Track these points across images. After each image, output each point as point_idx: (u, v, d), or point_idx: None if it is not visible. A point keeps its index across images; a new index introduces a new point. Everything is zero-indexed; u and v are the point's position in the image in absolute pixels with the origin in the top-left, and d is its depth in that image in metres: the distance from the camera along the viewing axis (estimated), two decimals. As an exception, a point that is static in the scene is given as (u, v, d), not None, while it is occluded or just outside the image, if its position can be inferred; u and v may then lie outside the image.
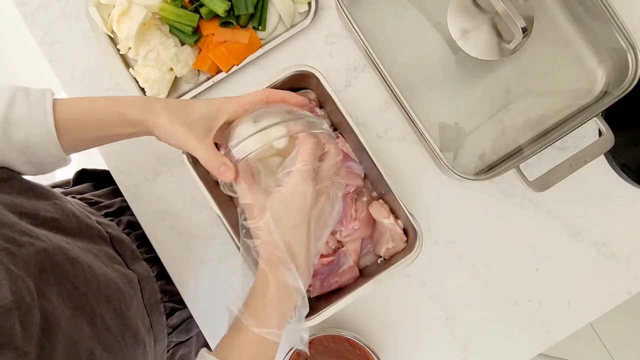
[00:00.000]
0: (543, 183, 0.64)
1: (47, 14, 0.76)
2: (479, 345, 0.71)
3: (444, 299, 0.71)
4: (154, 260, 0.72)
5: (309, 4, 0.72)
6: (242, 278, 0.51)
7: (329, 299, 0.64)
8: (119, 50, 0.72)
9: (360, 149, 0.63)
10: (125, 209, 0.74)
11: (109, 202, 0.73)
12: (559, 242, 0.71)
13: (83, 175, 0.80)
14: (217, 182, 0.68)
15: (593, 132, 0.71)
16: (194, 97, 0.72)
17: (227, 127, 0.53)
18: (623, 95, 0.64)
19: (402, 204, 0.61)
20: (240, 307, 0.47)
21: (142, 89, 0.71)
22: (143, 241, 0.72)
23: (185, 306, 0.73)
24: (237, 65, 0.71)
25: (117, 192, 0.76)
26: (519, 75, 0.70)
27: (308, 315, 0.61)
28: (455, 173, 0.63)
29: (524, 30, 0.61)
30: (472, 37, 0.67)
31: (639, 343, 1.56)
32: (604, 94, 0.69)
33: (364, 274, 0.68)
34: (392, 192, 0.61)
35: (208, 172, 0.68)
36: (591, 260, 0.71)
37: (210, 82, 0.72)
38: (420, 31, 0.71)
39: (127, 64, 0.73)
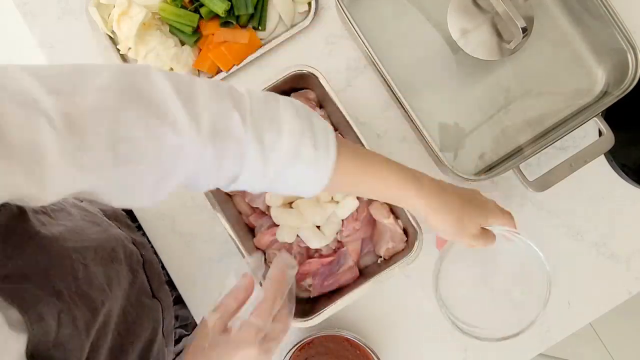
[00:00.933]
0: (543, 183, 0.64)
1: (47, 14, 0.76)
2: (479, 345, 0.71)
3: (441, 301, 0.71)
4: (171, 284, 0.70)
5: (309, 4, 0.72)
6: None
7: (329, 298, 0.64)
8: (119, 50, 0.72)
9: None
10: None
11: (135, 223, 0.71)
12: (559, 242, 0.71)
13: None
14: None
15: (593, 132, 0.71)
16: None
17: None
18: (623, 95, 0.64)
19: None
20: None
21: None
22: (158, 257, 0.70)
23: (190, 332, 0.71)
24: (237, 65, 0.71)
25: None
26: (519, 75, 0.70)
27: (308, 315, 0.61)
28: (455, 173, 0.63)
29: (524, 30, 0.61)
30: (472, 37, 0.67)
31: (639, 343, 1.56)
32: (604, 94, 0.69)
33: (364, 274, 0.68)
34: None
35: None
36: (591, 260, 0.71)
37: (210, 82, 0.71)
38: (420, 31, 0.71)
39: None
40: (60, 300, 0.37)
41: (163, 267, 0.71)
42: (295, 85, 0.67)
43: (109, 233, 0.52)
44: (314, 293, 0.67)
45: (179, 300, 0.70)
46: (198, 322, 0.72)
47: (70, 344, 0.36)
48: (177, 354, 0.69)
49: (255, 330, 0.45)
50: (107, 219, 0.56)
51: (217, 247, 0.73)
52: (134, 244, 0.57)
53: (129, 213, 0.73)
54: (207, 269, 0.73)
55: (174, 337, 0.67)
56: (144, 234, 0.72)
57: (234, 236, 0.62)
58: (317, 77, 0.62)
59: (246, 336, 0.45)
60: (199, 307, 0.72)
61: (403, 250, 0.65)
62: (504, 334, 0.67)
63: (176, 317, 0.69)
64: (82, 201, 0.55)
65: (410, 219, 0.61)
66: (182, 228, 0.73)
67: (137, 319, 0.50)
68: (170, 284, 0.72)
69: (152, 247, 0.70)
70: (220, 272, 0.73)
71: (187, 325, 0.71)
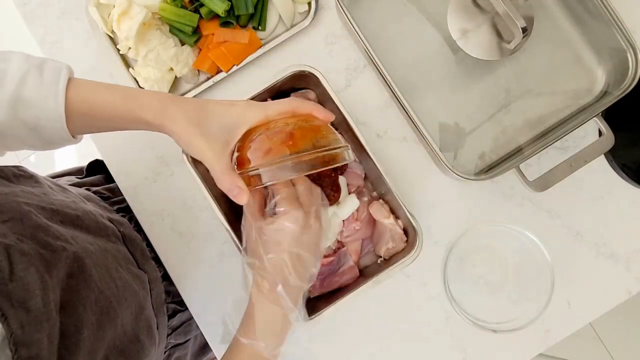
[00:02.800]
0: (543, 183, 0.64)
1: (47, 14, 0.76)
2: (479, 345, 0.71)
3: (444, 298, 0.71)
4: (158, 261, 0.72)
5: (309, 4, 0.72)
6: (239, 301, 0.52)
7: (329, 298, 0.64)
8: (119, 50, 0.72)
9: (360, 149, 0.63)
10: None
11: (119, 197, 0.73)
12: (559, 242, 0.71)
13: (96, 166, 0.79)
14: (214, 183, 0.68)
15: (593, 132, 0.71)
16: (194, 97, 0.72)
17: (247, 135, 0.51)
18: (623, 95, 0.64)
19: (402, 204, 0.61)
20: (233, 322, 0.50)
21: (142, 89, 0.71)
22: (149, 240, 0.72)
23: (186, 308, 0.73)
24: (237, 65, 0.71)
25: None
26: (519, 75, 0.70)
27: (308, 315, 0.61)
28: (455, 173, 0.63)
29: (524, 30, 0.61)
30: (472, 37, 0.67)
31: (639, 343, 1.56)
32: (604, 94, 0.69)
33: (364, 274, 0.68)
34: (392, 192, 0.61)
35: (208, 171, 0.68)
36: (591, 260, 0.71)
37: (210, 82, 0.72)
38: (420, 31, 0.71)
39: (127, 64, 0.73)
40: (6, 238, 0.38)
41: (160, 261, 0.72)
42: (295, 85, 0.67)
43: (77, 205, 0.53)
44: (314, 293, 0.67)
45: (166, 277, 0.71)
46: (198, 321, 0.72)
47: (27, 278, 0.37)
48: (174, 330, 0.70)
49: (291, 199, 0.49)
50: (81, 198, 0.57)
51: (217, 247, 0.73)
52: (110, 221, 0.58)
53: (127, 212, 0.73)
54: (207, 268, 0.73)
55: (167, 311, 0.68)
56: (134, 221, 0.73)
57: (234, 236, 0.62)
58: (317, 77, 0.62)
59: (286, 207, 0.48)
60: (199, 306, 0.72)
61: (403, 250, 0.65)
62: (516, 325, 0.68)
63: (168, 293, 0.70)
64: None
65: (410, 219, 0.61)
66: (182, 228, 0.73)
67: (124, 283, 0.51)
68: (167, 278, 0.72)
69: (142, 234, 0.71)
70: (221, 271, 0.73)
71: (181, 301, 0.72)
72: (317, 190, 0.53)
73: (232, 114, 0.49)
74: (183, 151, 0.62)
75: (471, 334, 0.71)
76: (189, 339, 0.77)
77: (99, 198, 0.67)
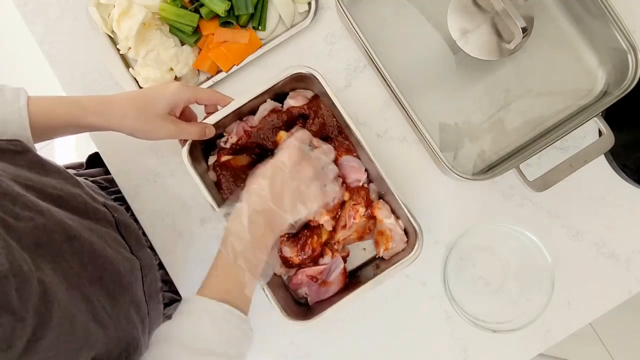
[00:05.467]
0: (543, 183, 0.64)
1: (47, 13, 0.76)
2: (479, 345, 0.71)
3: (444, 299, 0.71)
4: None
5: (309, 3, 0.72)
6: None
7: (329, 300, 0.64)
8: (119, 50, 0.72)
9: (360, 149, 0.63)
10: None
11: (117, 188, 0.74)
12: (559, 242, 0.71)
13: (95, 159, 0.80)
14: (215, 183, 0.68)
15: (593, 132, 0.71)
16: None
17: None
18: (623, 95, 0.64)
19: (402, 204, 0.61)
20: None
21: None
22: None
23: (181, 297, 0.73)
24: (237, 65, 0.71)
25: None
26: (519, 75, 0.70)
27: (307, 318, 0.61)
28: (455, 173, 0.63)
29: (524, 30, 0.61)
30: (472, 37, 0.67)
31: (639, 343, 1.56)
32: (604, 94, 0.69)
33: (362, 276, 0.68)
34: (393, 193, 0.61)
35: (207, 172, 0.68)
36: (591, 260, 0.71)
37: (210, 82, 0.72)
38: (420, 31, 0.71)
39: (127, 64, 0.73)
40: None
41: (147, 240, 0.73)
42: (295, 86, 0.67)
43: (62, 186, 0.55)
44: (311, 302, 0.66)
45: (164, 267, 0.73)
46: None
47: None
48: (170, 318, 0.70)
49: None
50: (74, 182, 0.59)
51: (217, 247, 0.72)
52: (104, 206, 0.61)
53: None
54: (207, 268, 0.73)
55: (163, 299, 0.69)
56: (128, 209, 0.74)
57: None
58: (316, 79, 0.62)
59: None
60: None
61: (403, 250, 0.65)
62: (516, 325, 0.68)
63: (165, 282, 0.71)
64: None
65: (411, 219, 0.61)
66: (182, 228, 0.73)
67: (110, 259, 0.54)
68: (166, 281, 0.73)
69: (139, 224, 0.73)
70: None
71: (177, 291, 0.73)
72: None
73: (167, 96, 0.57)
74: (183, 153, 0.62)
75: (471, 334, 0.71)
76: None
77: (95, 186, 0.68)
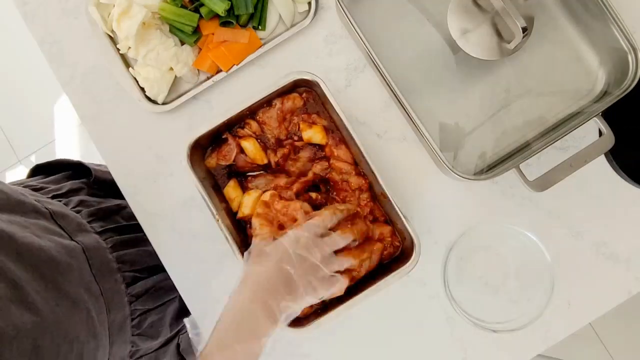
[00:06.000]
0: (543, 183, 0.64)
1: (47, 13, 0.76)
2: (479, 345, 0.71)
3: (444, 299, 0.71)
4: (122, 230, 0.74)
5: (309, 3, 0.72)
6: None
7: (327, 307, 0.64)
8: (119, 50, 0.72)
9: (358, 153, 0.63)
10: (77, 190, 0.75)
11: (57, 186, 0.74)
12: (559, 242, 0.71)
13: (38, 171, 0.82)
14: (214, 185, 0.68)
15: (593, 132, 0.71)
16: (194, 96, 0.72)
17: None
18: (623, 95, 0.64)
19: (399, 212, 0.61)
20: None
21: (142, 89, 0.71)
22: (103, 216, 0.73)
23: (149, 275, 0.74)
24: (237, 64, 0.71)
25: (69, 177, 0.78)
26: (519, 75, 0.70)
27: (305, 323, 0.61)
28: (455, 173, 0.63)
29: (524, 30, 0.61)
30: (472, 37, 0.67)
31: (639, 343, 1.56)
32: (604, 94, 0.68)
33: (363, 281, 0.67)
34: (393, 203, 0.61)
35: (207, 172, 0.68)
36: (591, 260, 0.71)
37: (210, 82, 0.72)
38: (420, 31, 0.71)
39: (127, 64, 0.73)
40: None
41: (124, 231, 0.75)
42: (295, 85, 0.67)
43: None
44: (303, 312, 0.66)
45: (126, 246, 0.73)
46: (200, 322, 0.72)
47: None
48: (138, 297, 0.72)
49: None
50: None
51: (217, 247, 0.73)
52: (36, 201, 0.62)
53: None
54: (207, 268, 0.73)
55: (124, 279, 0.70)
56: (86, 197, 0.75)
57: (228, 237, 0.62)
58: (317, 83, 0.63)
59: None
60: (199, 306, 0.72)
61: (402, 257, 0.64)
62: (516, 325, 0.68)
63: (124, 262, 0.71)
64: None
65: (408, 227, 0.61)
66: (182, 228, 0.73)
67: (47, 250, 0.56)
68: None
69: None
70: (220, 271, 0.73)
71: (142, 269, 0.74)
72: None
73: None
74: (183, 156, 0.63)
75: (471, 334, 0.71)
76: (163, 303, 0.77)
77: (28, 190, 0.69)
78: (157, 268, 0.75)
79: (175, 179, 0.74)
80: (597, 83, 0.70)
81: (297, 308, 0.53)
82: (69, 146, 1.74)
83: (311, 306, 0.63)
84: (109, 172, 0.80)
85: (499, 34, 0.67)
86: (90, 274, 0.62)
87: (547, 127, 0.69)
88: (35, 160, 1.75)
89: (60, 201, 0.70)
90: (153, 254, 0.74)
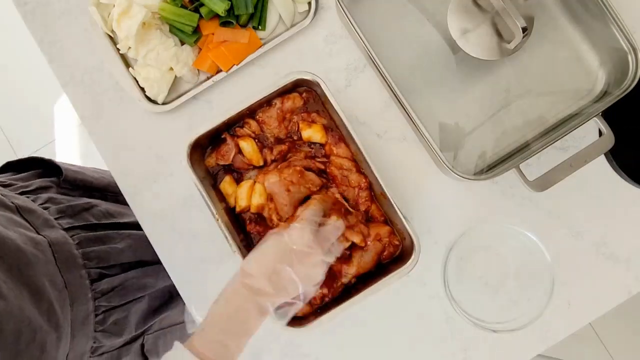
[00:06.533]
0: (543, 183, 0.64)
1: (47, 13, 0.76)
2: (479, 345, 0.71)
3: (444, 299, 0.71)
4: (91, 228, 0.73)
5: (309, 3, 0.72)
6: None
7: (326, 307, 0.64)
8: (119, 49, 0.72)
9: (358, 154, 0.63)
10: (47, 188, 0.75)
11: (26, 183, 0.74)
12: (559, 242, 0.71)
13: (7, 167, 0.81)
14: (213, 184, 0.68)
15: (593, 132, 0.71)
16: (194, 96, 0.72)
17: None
18: (623, 95, 0.64)
19: (399, 212, 0.61)
20: None
21: (142, 89, 0.71)
22: (72, 213, 0.73)
23: (117, 273, 0.73)
24: (237, 64, 0.71)
25: (39, 176, 0.78)
26: (519, 75, 0.70)
27: (305, 323, 0.61)
28: (455, 173, 0.63)
29: (524, 30, 0.61)
30: (472, 37, 0.67)
31: (639, 343, 1.56)
32: (604, 94, 0.68)
33: (362, 281, 0.67)
34: (390, 199, 0.61)
35: (206, 171, 0.68)
36: (591, 260, 0.71)
37: (210, 82, 0.72)
38: (420, 31, 0.71)
39: (127, 64, 0.73)
40: None
41: (94, 229, 0.74)
42: (295, 85, 0.67)
43: None
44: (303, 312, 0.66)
45: (95, 243, 0.73)
46: (200, 322, 0.72)
47: None
48: (104, 293, 0.72)
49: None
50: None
51: (217, 247, 0.72)
52: (3, 196, 0.63)
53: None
54: (207, 268, 0.73)
55: (89, 275, 0.69)
56: (55, 194, 0.74)
57: (228, 236, 0.62)
58: (318, 83, 0.63)
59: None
60: (199, 306, 0.72)
61: (402, 259, 0.64)
62: (516, 325, 0.68)
63: (91, 259, 0.71)
64: None
65: (407, 227, 0.61)
66: (182, 228, 0.73)
67: (13, 240, 0.57)
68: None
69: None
70: (220, 271, 0.73)
71: (109, 266, 0.73)
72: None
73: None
74: (183, 156, 0.63)
75: (471, 334, 0.71)
76: (128, 302, 0.77)
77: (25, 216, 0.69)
78: (128, 266, 0.75)
79: (175, 179, 0.74)
80: (597, 83, 0.70)
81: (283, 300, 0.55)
82: (69, 146, 1.74)
83: (311, 306, 0.64)
84: (81, 172, 0.81)
85: (499, 34, 0.67)
86: (55, 266, 0.63)
87: (547, 127, 0.69)
88: (35, 160, 1.74)
89: (28, 197, 0.70)
90: (125, 252, 0.74)
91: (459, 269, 0.72)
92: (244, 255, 0.62)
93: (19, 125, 1.78)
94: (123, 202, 0.76)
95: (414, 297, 0.72)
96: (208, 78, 0.72)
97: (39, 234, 0.64)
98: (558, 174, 0.64)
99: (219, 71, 0.72)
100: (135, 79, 0.72)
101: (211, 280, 0.73)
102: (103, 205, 0.80)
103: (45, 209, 0.70)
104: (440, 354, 0.71)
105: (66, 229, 0.70)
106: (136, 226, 0.76)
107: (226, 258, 0.73)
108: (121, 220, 0.80)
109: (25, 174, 0.78)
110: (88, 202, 0.77)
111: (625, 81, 0.65)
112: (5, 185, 0.72)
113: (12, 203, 0.64)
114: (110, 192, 0.79)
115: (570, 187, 0.69)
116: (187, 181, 0.64)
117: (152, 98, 0.72)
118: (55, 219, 0.70)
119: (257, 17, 0.71)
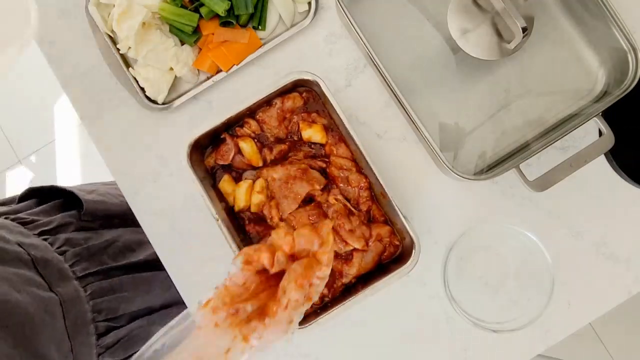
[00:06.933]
0: (543, 183, 0.64)
1: (47, 13, 0.76)
2: (479, 345, 0.71)
3: (444, 299, 0.71)
4: (105, 273, 0.72)
5: (309, 3, 0.72)
6: None
7: (325, 307, 0.64)
8: (119, 50, 0.72)
9: (359, 154, 0.63)
10: (67, 225, 0.74)
11: (47, 219, 0.73)
12: (559, 242, 0.71)
13: (31, 194, 0.80)
14: (213, 184, 0.68)
15: (593, 132, 0.71)
16: (194, 96, 0.72)
17: None
18: (623, 95, 0.64)
19: (399, 212, 0.61)
20: None
21: (142, 89, 0.71)
22: (88, 257, 0.72)
23: (123, 325, 0.73)
24: (237, 64, 0.71)
25: (61, 207, 0.77)
26: (519, 75, 0.70)
27: (304, 323, 0.60)
28: (455, 173, 0.63)
29: (524, 30, 0.61)
30: (472, 37, 0.67)
31: (639, 343, 1.56)
32: (604, 94, 0.68)
33: (361, 281, 0.67)
34: (393, 204, 0.61)
35: (206, 171, 0.68)
36: (591, 260, 0.71)
37: (210, 82, 0.72)
38: (420, 31, 0.71)
39: (127, 64, 0.73)
40: None
41: (103, 275, 0.73)
42: (295, 84, 0.67)
43: None
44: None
45: (105, 293, 0.71)
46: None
47: None
48: (108, 348, 0.71)
49: None
50: None
51: (217, 247, 0.72)
52: (20, 245, 0.60)
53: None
54: (207, 269, 0.73)
55: (97, 330, 0.69)
56: (74, 233, 0.73)
57: (227, 237, 0.62)
58: (318, 83, 0.63)
59: None
60: (191, 294, 0.72)
61: (402, 257, 0.64)
62: (516, 325, 0.68)
63: (100, 311, 0.70)
64: None
65: (408, 227, 0.61)
66: (182, 228, 0.73)
67: (23, 306, 0.54)
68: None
69: (62, 251, 0.70)
70: (221, 272, 0.73)
71: (117, 317, 0.72)
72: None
73: None
74: (183, 156, 0.63)
75: (471, 334, 0.71)
76: (131, 354, 0.76)
77: (15, 224, 0.68)
78: (136, 314, 0.75)
79: (175, 179, 0.74)
80: (597, 83, 0.70)
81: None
82: (69, 146, 1.74)
83: (311, 306, 0.63)
84: (101, 202, 0.80)
85: (499, 34, 0.67)
86: (63, 329, 0.62)
87: (547, 127, 0.69)
88: (35, 160, 1.75)
89: (46, 239, 0.69)
90: (135, 300, 0.74)
91: (459, 269, 0.72)
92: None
93: (19, 125, 1.78)
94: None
95: (414, 297, 0.72)
96: (208, 78, 0.72)
97: (51, 289, 0.62)
98: (558, 174, 0.64)
99: (219, 71, 0.72)
100: (135, 79, 0.72)
101: (211, 280, 0.73)
102: (122, 237, 0.79)
103: (62, 253, 0.69)
104: (440, 354, 0.71)
105: (80, 278, 0.69)
106: (153, 260, 0.76)
107: (227, 258, 0.73)
108: (137, 258, 0.79)
109: (47, 205, 0.77)
110: (106, 239, 0.77)
111: (625, 81, 0.65)
112: (26, 223, 0.70)
113: (29, 255, 0.62)
114: (130, 216, 0.78)
115: (570, 187, 0.69)
116: (187, 181, 0.64)
117: (152, 98, 0.72)
118: (71, 265, 0.69)
119: (257, 17, 0.71)
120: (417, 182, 0.72)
